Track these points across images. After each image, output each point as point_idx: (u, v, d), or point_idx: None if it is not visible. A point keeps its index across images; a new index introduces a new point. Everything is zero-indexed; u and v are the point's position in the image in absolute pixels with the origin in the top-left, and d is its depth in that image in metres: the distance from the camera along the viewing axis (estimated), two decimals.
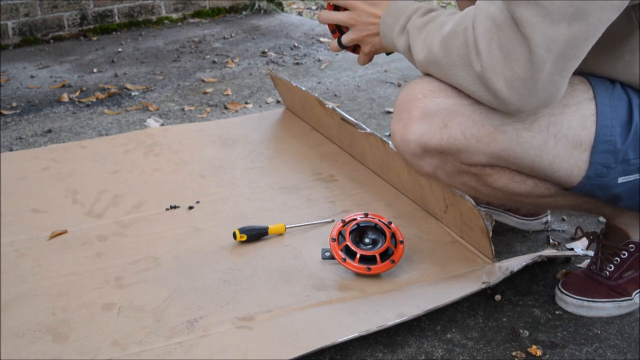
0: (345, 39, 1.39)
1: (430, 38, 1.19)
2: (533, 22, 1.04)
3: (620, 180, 1.21)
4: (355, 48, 1.42)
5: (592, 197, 1.28)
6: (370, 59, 1.42)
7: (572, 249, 1.60)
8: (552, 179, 1.24)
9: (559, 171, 1.21)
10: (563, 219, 1.72)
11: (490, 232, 1.44)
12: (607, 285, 1.38)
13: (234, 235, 1.59)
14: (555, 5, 1.03)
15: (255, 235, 1.61)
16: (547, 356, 1.28)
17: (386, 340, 1.33)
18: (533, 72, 1.07)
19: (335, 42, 1.42)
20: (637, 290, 1.38)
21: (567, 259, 1.57)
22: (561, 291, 1.41)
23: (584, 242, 1.62)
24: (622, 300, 1.37)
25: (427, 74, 1.25)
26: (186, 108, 2.69)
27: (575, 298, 1.38)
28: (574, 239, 1.64)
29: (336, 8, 1.40)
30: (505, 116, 1.18)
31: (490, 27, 1.08)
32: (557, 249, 1.58)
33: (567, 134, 1.19)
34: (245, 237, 1.60)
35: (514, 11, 1.05)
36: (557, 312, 1.40)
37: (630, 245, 1.37)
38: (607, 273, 1.38)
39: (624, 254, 1.37)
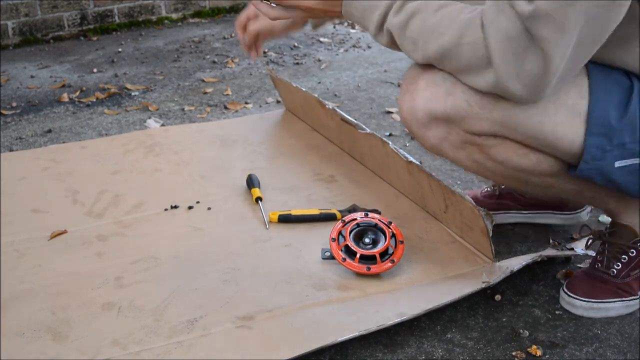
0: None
1: (424, 43, 1.22)
2: (551, 39, 1.08)
3: (617, 164, 1.22)
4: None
5: (594, 183, 1.29)
6: (286, 17, 1.36)
7: (572, 249, 1.59)
8: (555, 149, 1.24)
9: (562, 140, 1.22)
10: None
11: (491, 231, 1.44)
12: (614, 284, 1.38)
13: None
14: (569, 19, 1.07)
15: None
16: (547, 356, 1.28)
17: (386, 340, 1.33)
18: (547, 77, 1.12)
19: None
20: None
21: (567, 259, 1.57)
22: (568, 294, 1.40)
23: (585, 241, 1.61)
24: (630, 300, 1.37)
25: None
26: (186, 108, 2.69)
27: (584, 301, 1.38)
28: (573, 238, 1.64)
29: None
30: None
31: (504, 41, 1.11)
32: (557, 249, 1.58)
33: (566, 101, 1.21)
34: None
35: (531, 29, 1.09)
36: (557, 312, 1.40)
37: (639, 244, 1.37)
38: (615, 271, 1.38)
39: (632, 252, 1.37)
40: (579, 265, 1.55)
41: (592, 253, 1.55)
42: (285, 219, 1.67)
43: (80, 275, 1.49)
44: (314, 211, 1.68)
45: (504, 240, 1.65)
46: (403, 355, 1.29)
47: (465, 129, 1.28)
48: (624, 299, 1.37)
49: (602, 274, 1.38)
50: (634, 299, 1.37)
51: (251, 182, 1.83)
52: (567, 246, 1.60)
